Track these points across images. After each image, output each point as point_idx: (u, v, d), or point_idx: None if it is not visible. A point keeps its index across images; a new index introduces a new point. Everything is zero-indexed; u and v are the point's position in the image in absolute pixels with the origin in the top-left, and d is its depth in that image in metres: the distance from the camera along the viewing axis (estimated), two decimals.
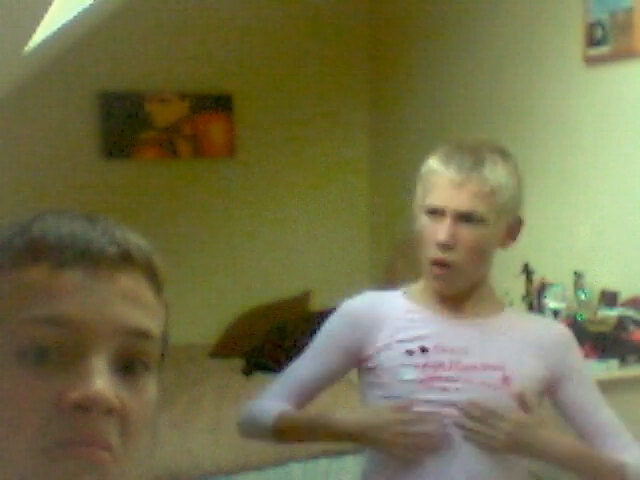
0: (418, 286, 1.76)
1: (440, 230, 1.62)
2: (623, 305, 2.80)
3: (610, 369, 2.53)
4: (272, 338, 3.95)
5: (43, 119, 4.18)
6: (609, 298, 2.87)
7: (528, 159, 3.45)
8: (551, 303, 3.00)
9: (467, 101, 3.84)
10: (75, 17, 2.50)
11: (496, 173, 1.61)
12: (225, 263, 4.62)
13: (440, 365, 1.65)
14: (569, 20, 3.14)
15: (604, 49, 2.95)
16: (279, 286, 4.66)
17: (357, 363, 1.74)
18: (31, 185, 4.16)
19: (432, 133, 4.13)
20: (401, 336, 1.69)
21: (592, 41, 3.00)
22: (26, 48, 2.51)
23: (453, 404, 1.62)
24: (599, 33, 2.96)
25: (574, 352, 1.75)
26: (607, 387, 2.50)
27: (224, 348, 4.30)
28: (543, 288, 3.09)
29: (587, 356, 2.58)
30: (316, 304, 4.57)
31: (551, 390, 1.70)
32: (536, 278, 3.16)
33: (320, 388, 1.77)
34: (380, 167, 4.71)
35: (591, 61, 3.03)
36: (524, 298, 3.18)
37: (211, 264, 4.61)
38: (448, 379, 1.64)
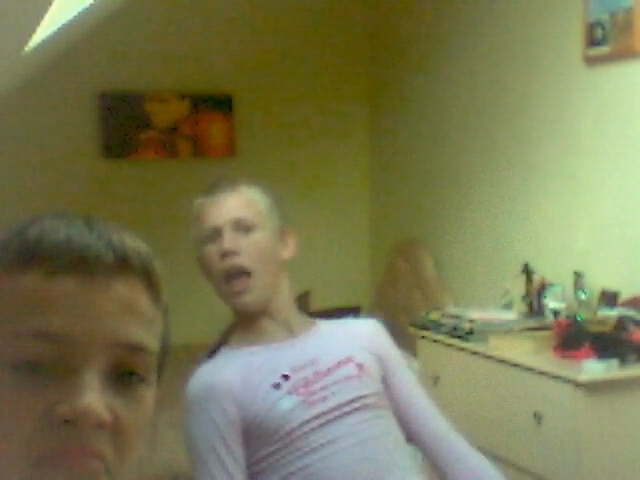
0: (233, 334, 1.83)
1: (220, 243, 1.71)
2: (623, 305, 2.80)
3: (610, 369, 2.53)
4: None
5: (43, 119, 4.18)
6: (609, 298, 2.87)
7: (528, 159, 3.45)
8: (551, 303, 3.00)
9: (467, 101, 3.84)
10: (75, 17, 2.50)
11: (250, 190, 1.78)
12: None
13: (307, 382, 1.69)
14: (569, 20, 3.14)
15: (604, 49, 2.95)
16: None
17: (246, 435, 1.67)
18: (31, 185, 4.16)
19: (432, 133, 4.13)
20: (256, 380, 1.68)
21: (592, 41, 3.00)
22: (26, 48, 2.51)
23: (338, 407, 1.67)
24: (599, 33, 2.96)
25: (385, 337, 1.85)
26: (607, 387, 2.51)
27: None
28: (543, 288, 3.09)
29: (587, 356, 2.58)
30: (316, 304, 4.57)
31: (384, 379, 1.78)
32: (536, 278, 3.16)
33: None
34: (380, 167, 4.71)
35: (591, 61, 3.03)
36: (524, 298, 3.18)
37: None
38: (322, 388, 1.68)
